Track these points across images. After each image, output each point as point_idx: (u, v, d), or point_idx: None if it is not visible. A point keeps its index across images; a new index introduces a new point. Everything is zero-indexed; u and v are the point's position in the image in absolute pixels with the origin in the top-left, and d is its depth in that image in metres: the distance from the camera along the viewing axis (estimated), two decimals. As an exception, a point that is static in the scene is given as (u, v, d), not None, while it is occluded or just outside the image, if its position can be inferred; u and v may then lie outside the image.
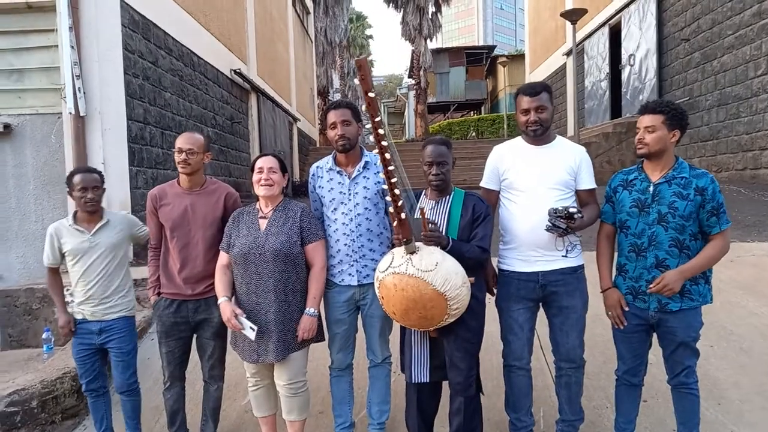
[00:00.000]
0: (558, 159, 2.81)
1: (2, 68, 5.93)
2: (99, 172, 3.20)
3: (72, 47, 5.55)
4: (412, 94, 31.55)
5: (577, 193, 2.86)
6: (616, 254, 2.84)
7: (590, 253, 2.93)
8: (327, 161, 3.07)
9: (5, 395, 3.31)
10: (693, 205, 2.56)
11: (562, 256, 2.78)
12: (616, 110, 13.25)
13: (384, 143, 2.43)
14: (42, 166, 5.89)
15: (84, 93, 5.66)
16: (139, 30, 6.65)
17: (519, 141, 2.93)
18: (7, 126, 5.80)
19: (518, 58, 28.60)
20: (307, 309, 2.85)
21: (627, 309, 2.73)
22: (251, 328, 2.73)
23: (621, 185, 2.76)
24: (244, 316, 2.76)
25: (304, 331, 2.82)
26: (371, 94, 2.34)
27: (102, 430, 3.26)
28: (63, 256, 3.16)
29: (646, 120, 2.62)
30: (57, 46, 5.72)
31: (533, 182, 2.79)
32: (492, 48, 35.00)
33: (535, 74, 19.46)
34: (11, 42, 5.91)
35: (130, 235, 3.26)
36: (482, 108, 35.84)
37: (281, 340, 2.79)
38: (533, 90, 2.76)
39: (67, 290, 3.25)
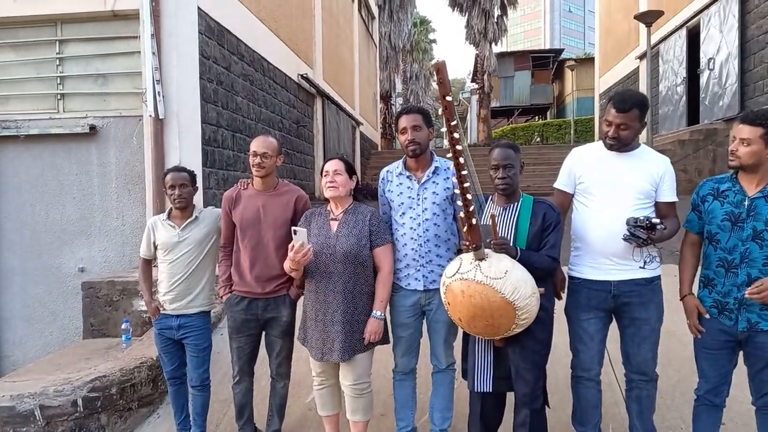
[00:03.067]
0: (640, 168, 2.70)
1: (89, 73, 6.32)
2: (190, 171, 3.37)
3: (153, 53, 5.85)
4: (474, 98, 31.27)
5: (657, 204, 2.74)
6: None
7: (666, 266, 2.81)
8: (397, 165, 3.09)
9: (88, 381, 3.52)
10: None
11: (640, 267, 2.68)
12: (693, 116, 12.59)
13: (458, 147, 2.42)
14: (124, 166, 6.23)
15: (163, 97, 5.95)
16: (214, 37, 6.92)
17: (600, 145, 2.82)
18: (93, 127, 6.17)
19: (587, 61, 27.76)
20: (374, 312, 2.88)
21: (707, 317, 2.60)
22: (294, 233, 2.72)
23: (711, 194, 2.61)
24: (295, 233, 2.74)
25: (370, 334, 2.85)
26: (449, 98, 2.33)
27: (183, 418, 3.42)
28: (156, 249, 3.34)
29: (743, 131, 2.44)
30: (139, 52, 6.04)
31: (611, 189, 2.70)
32: (559, 51, 34.17)
33: (605, 78, 18.83)
34: (98, 48, 6.30)
35: (217, 228, 3.37)
36: (548, 113, 35.04)
37: (347, 340, 2.83)
38: (623, 105, 2.62)
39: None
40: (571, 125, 25.91)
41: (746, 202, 2.48)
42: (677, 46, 13.11)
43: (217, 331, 4.43)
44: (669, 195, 2.74)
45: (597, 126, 20.45)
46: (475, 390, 2.79)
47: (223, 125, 7.14)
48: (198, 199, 6.18)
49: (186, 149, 6.09)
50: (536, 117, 35.68)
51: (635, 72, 15.78)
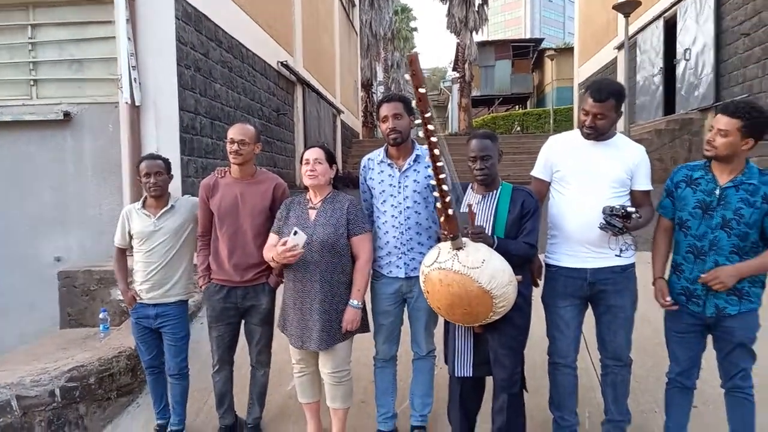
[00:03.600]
0: (616, 157, 2.74)
1: (63, 58, 6.17)
2: (165, 159, 3.32)
3: (129, 39, 5.73)
4: (456, 87, 31.26)
5: (632, 192, 2.78)
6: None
7: (640, 254, 2.86)
8: (379, 153, 3.09)
9: (66, 371, 3.48)
10: (759, 213, 2.46)
11: (615, 255, 2.73)
12: (669, 106, 12.78)
13: (433, 139, 2.43)
14: (99, 154, 6.11)
15: (139, 83, 5.84)
16: (191, 22, 6.80)
17: (576, 134, 2.85)
18: (67, 114, 6.04)
19: (567, 51, 27.92)
20: (351, 300, 2.89)
21: (675, 308, 2.66)
22: (293, 233, 2.70)
23: (684, 181, 2.66)
24: (287, 238, 2.73)
25: (347, 323, 2.86)
26: (422, 90, 2.34)
27: (162, 407, 3.41)
28: (131, 238, 3.29)
29: (721, 122, 2.47)
30: (115, 37, 5.91)
31: (587, 177, 2.74)
32: (539, 41, 34.28)
33: (585, 68, 18.98)
34: (72, 33, 6.14)
35: (193, 216, 3.33)
36: (528, 102, 35.22)
37: (325, 329, 2.84)
38: (600, 95, 2.63)
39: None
40: (551, 115, 26.11)
41: (717, 191, 2.54)
42: (654, 37, 13.25)
43: (196, 320, 4.41)
44: (644, 183, 2.78)
45: (576, 115, 20.63)
46: (455, 375, 2.83)
47: (201, 112, 7.05)
48: (176, 187, 6.16)
49: (163, 137, 6.00)
50: (516, 106, 35.84)
51: (613, 62, 15.93)
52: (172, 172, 3.35)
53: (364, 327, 3.01)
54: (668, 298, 2.67)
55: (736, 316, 2.54)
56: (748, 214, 2.46)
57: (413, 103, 2.41)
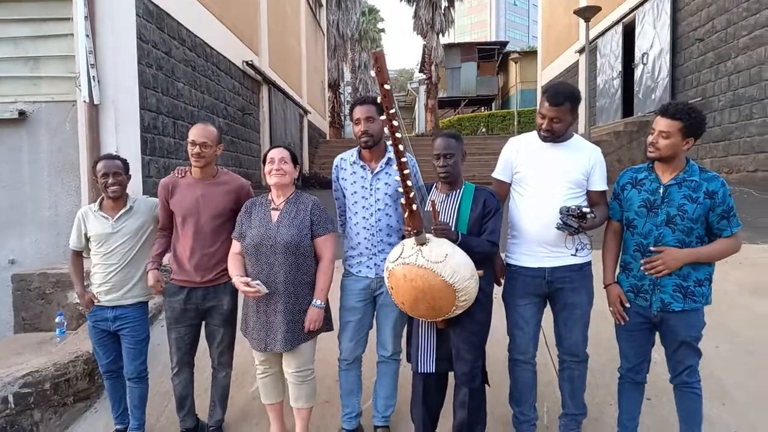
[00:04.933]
0: (572, 158, 2.81)
1: (19, 55, 5.97)
2: (123, 160, 3.25)
3: (87, 36, 5.59)
4: (422, 88, 31.47)
5: (588, 193, 2.87)
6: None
7: (597, 252, 2.95)
8: (352, 154, 3.11)
9: (19, 377, 3.38)
10: (702, 208, 2.56)
11: (571, 254, 2.80)
12: (628, 109, 13.17)
13: (398, 135, 2.46)
14: (56, 153, 5.94)
15: (98, 81, 5.70)
16: (153, 20, 6.69)
17: (534, 136, 2.91)
18: (22, 113, 5.86)
19: (531, 54, 28.44)
20: (314, 301, 2.89)
21: (627, 305, 2.75)
22: (257, 284, 2.76)
23: (630, 183, 2.76)
24: (251, 280, 2.79)
25: (310, 322, 2.87)
26: (387, 86, 2.37)
27: (121, 412, 3.34)
28: (88, 240, 3.22)
29: (662, 124, 2.57)
30: (73, 34, 5.76)
31: (544, 179, 2.81)
32: (504, 44, 34.83)
33: (548, 71, 19.37)
34: (28, 30, 5.95)
35: (153, 217, 3.28)
36: (493, 104, 35.70)
37: (289, 330, 2.84)
38: (556, 99, 2.69)
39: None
40: (515, 116, 26.53)
41: (661, 189, 2.63)
42: (614, 41, 13.62)
43: (157, 323, 4.34)
44: (600, 184, 2.87)
45: (540, 117, 20.98)
46: (419, 371, 2.86)
47: (163, 112, 6.93)
48: (137, 187, 6.04)
49: (123, 136, 5.88)
50: (482, 108, 36.29)
51: (575, 65, 16.31)
52: (130, 173, 3.28)
53: (327, 326, 3.02)
54: (627, 304, 2.75)
55: (680, 315, 2.63)
56: (692, 209, 2.56)
57: (378, 99, 2.43)
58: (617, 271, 2.85)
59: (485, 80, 32.44)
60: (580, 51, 15.05)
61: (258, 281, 2.78)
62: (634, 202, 2.70)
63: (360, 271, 3.04)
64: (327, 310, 2.99)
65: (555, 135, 2.76)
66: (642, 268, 2.63)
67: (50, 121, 5.95)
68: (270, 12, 12.49)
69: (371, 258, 3.01)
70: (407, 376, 3.08)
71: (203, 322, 3.19)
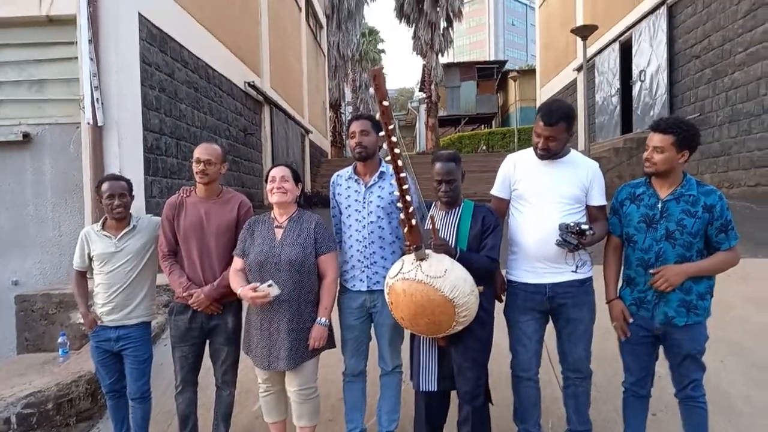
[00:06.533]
0: (570, 174, 2.83)
1: (23, 79, 6.07)
2: (127, 180, 3.28)
3: (91, 59, 5.68)
4: (423, 107, 31.69)
5: (588, 208, 2.88)
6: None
7: (598, 267, 2.96)
8: (347, 170, 3.18)
9: (22, 397, 3.38)
10: (701, 222, 2.58)
11: (572, 271, 2.81)
12: (626, 125, 13.25)
13: (397, 150, 2.49)
14: (60, 175, 6.00)
15: (102, 104, 5.78)
16: (156, 43, 6.79)
17: (532, 152, 2.93)
18: (26, 135, 5.93)
19: (529, 72, 28.68)
20: (319, 318, 2.90)
21: (631, 321, 2.75)
22: (269, 285, 2.74)
23: (628, 198, 2.78)
24: (259, 284, 2.76)
25: (314, 340, 2.87)
26: (385, 103, 2.41)
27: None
28: (91, 260, 3.23)
29: (655, 139, 2.61)
30: (77, 58, 5.85)
31: (543, 195, 2.82)
32: (503, 63, 35.16)
33: (546, 89, 19.52)
34: (32, 54, 6.06)
35: (156, 236, 3.27)
36: (493, 122, 35.90)
37: (293, 348, 2.84)
38: (550, 119, 2.70)
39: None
40: (515, 134, 26.67)
41: (659, 205, 2.65)
42: (611, 59, 13.76)
43: (160, 342, 4.33)
44: (598, 199, 2.88)
45: (539, 135, 21.09)
46: (421, 389, 2.86)
47: (166, 133, 7.00)
48: (140, 207, 6.08)
49: (127, 157, 5.93)
50: (482, 126, 36.49)
51: (573, 83, 16.44)
52: (134, 193, 3.31)
53: (330, 343, 3.02)
54: (631, 319, 2.75)
55: (684, 329, 2.63)
56: (691, 224, 2.58)
57: (377, 116, 2.47)
58: (620, 285, 2.85)
59: (485, 99, 32.68)
60: (578, 69, 15.19)
61: (270, 282, 2.74)
62: (634, 217, 2.72)
63: (354, 284, 3.07)
64: (330, 327, 3.00)
65: (551, 153, 2.79)
66: (650, 283, 2.64)
67: (54, 143, 6.02)
68: (271, 33, 12.65)
69: (363, 271, 3.04)
70: (411, 392, 3.07)
71: (207, 341, 3.20)
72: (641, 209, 2.70)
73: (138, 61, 6.26)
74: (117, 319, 3.18)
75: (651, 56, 11.73)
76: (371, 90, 2.36)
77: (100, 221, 3.27)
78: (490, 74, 32.78)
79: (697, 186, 2.64)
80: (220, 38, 9.19)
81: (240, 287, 2.86)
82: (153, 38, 6.71)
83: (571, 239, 2.61)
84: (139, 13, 6.29)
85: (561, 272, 2.82)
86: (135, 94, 6.22)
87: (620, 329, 2.78)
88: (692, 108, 10.44)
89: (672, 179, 2.65)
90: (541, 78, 20.73)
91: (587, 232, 2.60)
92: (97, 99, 5.73)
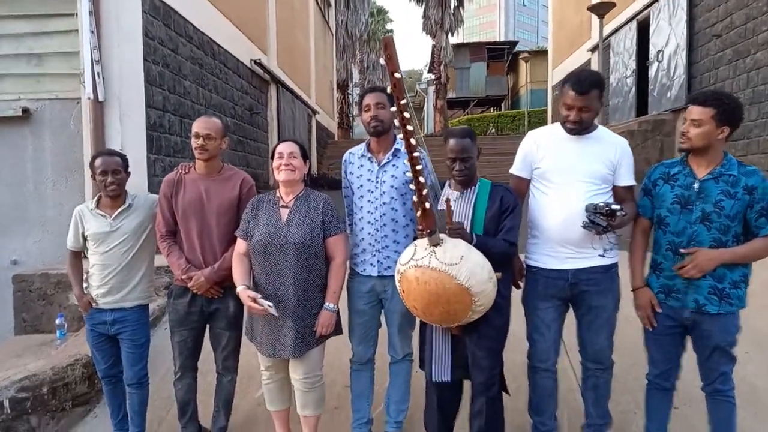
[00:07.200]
0: (597, 151, 2.63)
1: (22, 52, 5.87)
2: (122, 156, 3.10)
3: (92, 32, 5.49)
4: (431, 89, 31.33)
5: (615, 188, 2.69)
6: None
7: (622, 252, 2.77)
8: (360, 147, 2.99)
9: (16, 381, 3.26)
10: (740, 204, 2.38)
11: (599, 255, 2.62)
12: (642, 107, 12.91)
13: (409, 128, 2.31)
14: (60, 152, 5.84)
15: (103, 78, 5.60)
16: (159, 16, 6.57)
17: (556, 128, 2.73)
18: (26, 110, 5.76)
19: (540, 54, 28.21)
20: (327, 304, 2.74)
21: (659, 311, 2.58)
22: (269, 305, 2.61)
23: (662, 178, 2.58)
24: (260, 297, 2.64)
25: (322, 327, 2.72)
26: (397, 75, 2.21)
27: (120, 418, 3.20)
28: (85, 240, 3.07)
29: (694, 112, 2.41)
30: (77, 30, 5.65)
31: (568, 174, 2.63)
32: (514, 44, 34.60)
33: (559, 70, 19.13)
34: (31, 26, 5.86)
35: (153, 215, 3.11)
36: (503, 104, 35.49)
37: (299, 335, 2.69)
38: (582, 87, 2.50)
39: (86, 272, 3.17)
40: (525, 117, 26.32)
41: (696, 185, 2.46)
42: (627, 39, 13.39)
43: (161, 325, 4.21)
44: (627, 179, 2.69)
45: (550, 117, 20.81)
46: (433, 380, 2.72)
47: (169, 110, 6.82)
48: (143, 186, 5.92)
49: (129, 134, 5.76)
50: (491, 108, 36.07)
51: (587, 64, 16.06)
52: (130, 170, 3.13)
53: (337, 330, 2.86)
54: (659, 309, 2.57)
55: (715, 318, 2.46)
56: (729, 206, 2.39)
57: (388, 89, 2.27)
58: (646, 271, 2.67)
59: (495, 80, 32.24)
60: (593, 49, 14.82)
61: (270, 303, 2.61)
62: (667, 198, 2.53)
63: (364, 269, 2.91)
64: (337, 313, 2.84)
65: (583, 126, 2.59)
66: (675, 269, 2.45)
67: (54, 119, 5.85)
68: (278, 9, 12.38)
69: (374, 255, 2.87)
70: (420, 381, 2.92)
71: (207, 326, 3.05)
72: (675, 189, 2.51)
73: (141, 34, 6.04)
74: (113, 302, 3.02)
75: (670, 35, 11.38)
76: (381, 60, 2.15)
77: (94, 199, 3.11)
78: (500, 55, 32.29)
79: (738, 166, 2.44)
80: (226, 13, 8.95)
81: (242, 284, 2.70)
82: (156, 11, 6.49)
83: (600, 221, 2.42)
84: (142, -16, 6.06)
85: (586, 257, 2.63)
86: (137, 68, 6.01)
87: (647, 319, 2.60)
88: (712, 89, 10.12)
89: (711, 157, 2.44)
90: (553, 59, 20.32)
91: (618, 213, 2.41)
92: (98, 73, 5.56)
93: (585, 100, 2.52)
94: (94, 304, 3.04)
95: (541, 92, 27.01)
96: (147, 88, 6.17)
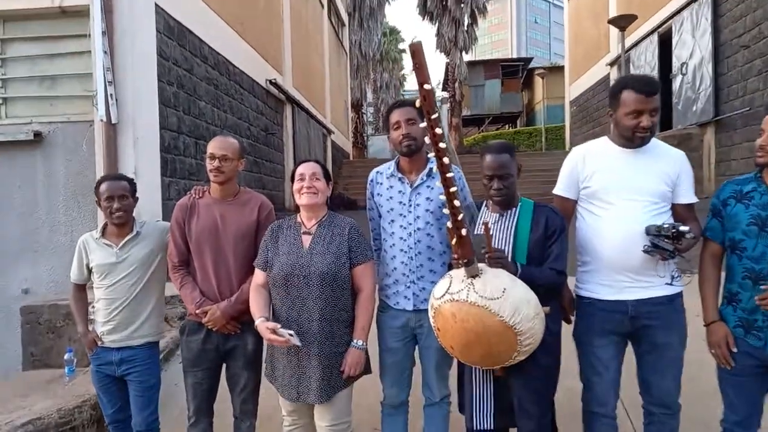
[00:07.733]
0: (654, 165, 2.36)
1: (34, 75, 5.77)
2: (129, 180, 2.89)
3: (105, 52, 5.35)
4: (446, 107, 31.16)
5: (674, 207, 2.40)
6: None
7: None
8: (389, 167, 2.72)
9: (19, 425, 3.03)
10: None
11: (666, 284, 2.32)
12: (666, 122, 12.58)
13: (442, 145, 2.04)
14: (73, 176, 5.68)
15: (116, 100, 5.45)
16: (174, 36, 6.45)
17: (605, 142, 2.47)
18: (38, 134, 5.62)
19: (555, 69, 28.02)
20: (355, 341, 2.46)
21: (735, 350, 2.26)
22: (290, 335, 2.33)
23: (733, 197, 2.29)
24: (280, 327, 2.36)
25: (351, 367, 2.44)
26: (427, 87, 1.95)
27: None
28: (90, 272, 2.85)
29: None
30: (90, 52, 5.53)
31: (623, 193, 2.34)
32: (528, 60, 34.45)
33: (576, 85, 18.89)
34: (44, 48, 5.76)
35: (164, 244, 2.88)
36: (518, 121, 35.23)
37: (325, 377, 2.41)
38: (650, 87, 2.26)
39: (92, 307, 2.93)
40: (542, 133, 26.02)
41: None
42: (648, 52, 13.13)
43: (174, 360, 3.95)
44: (688, 195, 2.41)
45: (568, 134, 20.52)
46: (474, 428, 2.41)
47: (184, 131, 6.65)
48: (157, 211, 5.71)
49: (142, 157, 5.58)
50: (507, 125, 35.81)
51: (606, 78, 15.80)
52: (142, 194, 2.90)
53: (366, 369, 2.58)
54: (734, 349, 2.27)
55: None
56: None
57: (416, 103, 2.01)
58: (720, 302, 2.36)
59: (509, 97, 32.03)
60: (612, 63, 14.56)
61: (291, 332, 2.34)
62: (742, 219, 2.23)
63: (397, 302, 2.63)
64: (365, 350, 2.55)
65: (653, 133, 2.32)
66: (757, 303, 2.14)
67: (66, 142, 5.71)
68: (293, 29, 12.31)
69: (409, 286, 2.59)
70: (460, 422, 2.61)
71: (224, 365, 2.78)
72: (751, 209, 2.22)
73: (155, 55, 5.91)
74: (119, 340, 2.78)
75: (694, 47, 11.08)
76: (409, 71, 1.85)
77: (100, 227, 2.88)
78: (515, 72, 32.13)
79: None
80: (241, 33, 8.84)
81: (260, 316, 2.43)
82: (171, 31, 6.36)
83: (666, 245, 2.13)
84: (156, 4, 5.93)
85: (648, 286, 2.33)
86: (151, 90, 5.86)
87: (722, 357, 2.28)
88: (740, 102, 9.78)
89: None
90: (570, 74, 20.10)
91: (687, 235, 2.11)
92: (111, 95, 5.41)
93: (654, 101, 2.27)
94: (99, 342, 2.79)
95: (557, 108, 26.74)
96: (161, 109, 6.02)
